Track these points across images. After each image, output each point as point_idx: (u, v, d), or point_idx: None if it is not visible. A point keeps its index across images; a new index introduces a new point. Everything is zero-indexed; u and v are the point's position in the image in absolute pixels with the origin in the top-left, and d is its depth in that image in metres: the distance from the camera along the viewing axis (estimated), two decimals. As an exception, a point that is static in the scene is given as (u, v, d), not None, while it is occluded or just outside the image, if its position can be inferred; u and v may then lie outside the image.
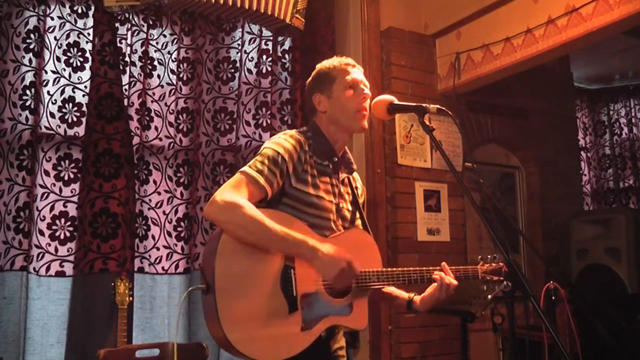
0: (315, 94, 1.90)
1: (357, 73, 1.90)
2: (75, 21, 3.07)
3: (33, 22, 2.94)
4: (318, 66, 1.94)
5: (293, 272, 1.67)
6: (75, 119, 3.00)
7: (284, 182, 1.75)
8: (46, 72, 2.96)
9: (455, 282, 1.83)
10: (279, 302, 1.64)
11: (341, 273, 1.66)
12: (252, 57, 3.49)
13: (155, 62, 3.24)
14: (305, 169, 1.79)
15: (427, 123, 1.77)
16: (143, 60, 3.17)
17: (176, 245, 3.13)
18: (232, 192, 1.66)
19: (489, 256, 1.93)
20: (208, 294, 1.60)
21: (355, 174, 2.03)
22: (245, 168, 1.72)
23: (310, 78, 1.95)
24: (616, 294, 3.48)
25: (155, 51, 3.24)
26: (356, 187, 1.99)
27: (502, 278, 1.85)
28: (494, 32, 3.29)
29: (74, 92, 3.02)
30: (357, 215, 1.97)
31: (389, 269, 1.81)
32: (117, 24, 3.12)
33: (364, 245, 1.86)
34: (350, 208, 1.92)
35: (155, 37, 3.25)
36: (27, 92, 2.89)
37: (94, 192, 2.94)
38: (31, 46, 2.92)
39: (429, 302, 1.86)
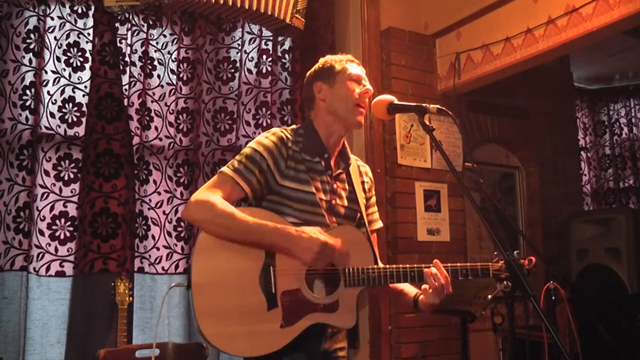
0: (316, 82, 1.90)
1: (360, 70, 1.92)
2: (75, 21, 3.07)
3: (33, 22, 2.94)
4: (322, 59, 1.94)
5: (273, 269, 1.67)
6: (75, 119, 3.00)
7: (269, 179, 1.75)
8: (46, 72, 2.96)
9: (448, 279, 1.71)
10: (258, 299, 1.64)
11: (317, 256, 1.65)
12: (252, 57, 3.49)
13: (155, 62, 3.24)
14: (289, 165, 1.78)
15: (427, 123, 1.76)
16: (143, 60, 3.17)
17: (176, 245, 3.14)
18: (205, 192, 1.70)
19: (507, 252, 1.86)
20: (189, 290, 1.64)
21: (364, 169, 2.02)
22: (224, 168, 1.76)
23: (312, 70, 1.95)
24: (616, 294, 3.47)
25: (155, 51, 3.24)
26: (364, 182, 1.98)
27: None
28: (494, 32, 3.29)
29: (74, 92, 3.02)
30: (358, 210, 1.92)
31: (378, 267, 1.77)
32: (117, 24, 3.12)
33: (355, 243, 1.80)
34: (346, 204, 1.89)
35: (155, 37, 3.26)
36: (27, 92, 2.89)
37: (94, 192, 2.94)
38: (31, 46, 2.92)
39: (427, 305, 1.79)
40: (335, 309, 1.72)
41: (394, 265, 1.77)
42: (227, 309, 1.62)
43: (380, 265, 1.83)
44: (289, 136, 1.82)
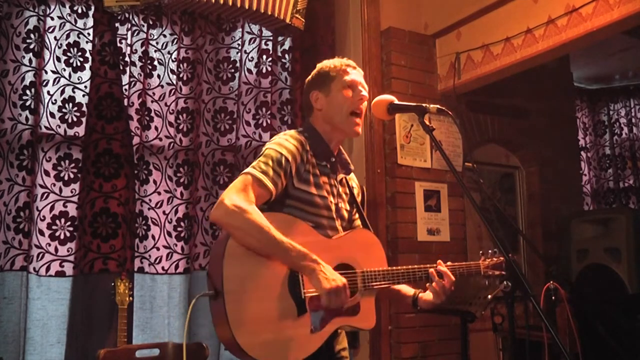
0: (313, 91, 1.90)
1: (356, 75, 1.90)
2: (75, 21, 3.07)
3: (33, 22, 2.94)
4: (319, 65, 1.95)
5: (300, 275, 1.67)
6: (75, 119, 3.00)
7: (287, 184, 1.75)
8: (46, 72, 2.96)
9: (452, 279, 1.81)
10: (288, 305, 1.63)
11: (334, 296, 1.64)
12: (252, 57, 3.49)
13: (155, 62, 3.24)
14: (307, 169, 1.79)
15: (427, 123, 1.77)
16: (143, 60, 3.17)
17: (176, 245, 3.13)
18: (239, 195, 1.64)
19: (490, 251, 1.94)
20: (217, 299, 1.59)
21: (352, 174, 2.03)
22: (250, 169, 1.71)
23: (310, 76, 1.95)
24: (616, 294, 3.47)
25: (155, 51, 3.24)
26: (352, 187, 1.99)
27: (503, 272, 1.86)
28: (494, 32, 3.29)
29: (74, 92, 3.02)
30: (356, 215, 1.97)
31: (395, 268, 1.81)
32: (117, 24, 3.12)
33: (370, 245, 1.86)
34: (348, 208, 1.92)
35: (155, 37, 3.25)
36: (27, 92, 2.89)
37: (94, 192, 2.94)
38: (31, 46, 2.92)
39: (429, 304, 1.87)
40: (357, 311, 1.75)
41: (408, 267, 1.83)
42: (260, 316, 1.60)
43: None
44: (304, 139, 1.82)
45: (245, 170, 1.72)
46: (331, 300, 1.64)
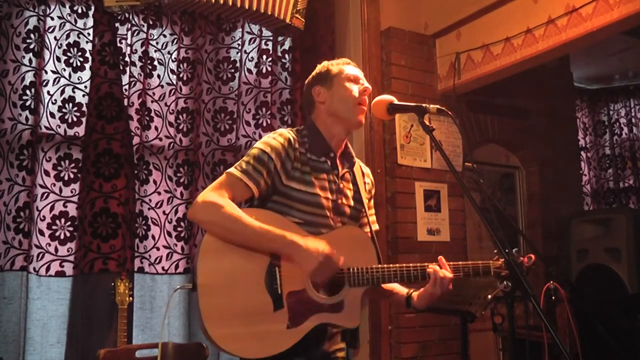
0: (315, 86, 1.91)
1: (357, 71, 1.92)
2: (75, 21, 3.07)
3: (33, 22, 2.94)
4: (318, 66, 1.96)
5: (278, 270, 1.67)
6: (75, 119, 3.00)
7: (274, 180, 1.75)
8: (46, 72, 2.96)
9: (450, 275, 1.75)
10: (264, 300, 1.64)
11: (320, 266, 1.65)
12: (252, 57, 3.49)
13: (155, 62, 3.24)
14: (295, 166, 1.78)
15: (427, 123, 1.77)
16: (143, 60, 3.17)
17: (176, 245, 3.14)
18: (213, 193, 1.69)
19: (507, 250, 1.87)
20: (194, 292, 1.63)
21: (366, 170, 2.03)
22: (231, 169, 1.75)
23: (309, 77, 1.96)
24: (616, 294, 3.47)
25: (155, 51, 3.24)
26: (366, 182, 1.98)
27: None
28: (494, 32, 3.29)
29: (74, 92, 3.02)
30: (363, 211, 1.94)
31: (385, 266, 1.77)
32: (117, 24, 3.12)
33: (357, 242, 1.82)
34: (351, 204, 1.90)
35: (155, 37, 3.26)
36: (27, 92, 2.90)
37: (94, 192, 2.94)
38: (31, 46, 2.92)
39: (425, 298, 1.81)
40: (340, 308, 1.73)
41: (397, 265, 1.77)
42: (233, 310, 1.61)
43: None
44: (295, 137, 1.82)
45: (227, 170, 1.76)
46: (318, 274, 1.66)
